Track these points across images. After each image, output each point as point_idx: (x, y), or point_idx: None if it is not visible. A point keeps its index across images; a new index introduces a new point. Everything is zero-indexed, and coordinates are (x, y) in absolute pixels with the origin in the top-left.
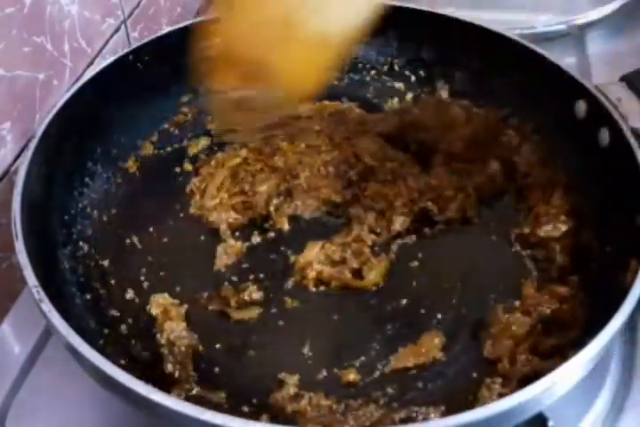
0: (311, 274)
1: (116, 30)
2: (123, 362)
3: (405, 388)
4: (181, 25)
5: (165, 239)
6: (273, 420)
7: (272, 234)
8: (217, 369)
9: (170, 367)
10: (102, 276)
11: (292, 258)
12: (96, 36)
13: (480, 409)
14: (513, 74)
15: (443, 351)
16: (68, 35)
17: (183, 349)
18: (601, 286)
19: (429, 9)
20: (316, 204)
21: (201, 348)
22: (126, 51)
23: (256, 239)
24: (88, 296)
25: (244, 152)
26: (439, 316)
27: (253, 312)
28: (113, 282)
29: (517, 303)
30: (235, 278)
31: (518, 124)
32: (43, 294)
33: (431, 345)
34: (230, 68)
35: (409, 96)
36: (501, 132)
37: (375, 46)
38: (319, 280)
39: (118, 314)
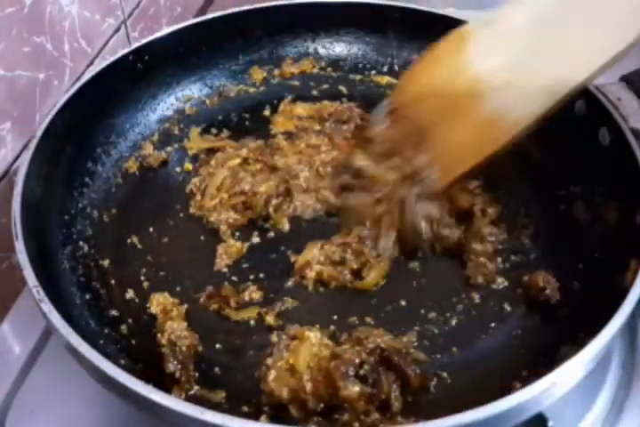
0: (310, 274)
1: (116, 30)
2: (123, 362)
3: None
4: (181, 25)
5: (165, 239)
6: (273, 420)
7: (272, 234)
8: (217, 369)
9: (171, 367)
10: (102, 276)
11: (292, 258)
12: (96, 36)
13: (480, 409)
14: None
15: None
16: (67, 35)
17: (184, 349)
18: (601, 286)
19: (429, 9)
20: (316, 204)
21: (201, 348)
22: (126, 51)
23: (256, 239)
24: (88, 296)
25: (244, 152)
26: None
27: (253, 312)
28: (113, 282)
29: None
30: (235, 278)
31: None
32: (43, 293)
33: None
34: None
35: None
36: None
37: (375, 46)
38: (319, 281)
39: (118, 314)
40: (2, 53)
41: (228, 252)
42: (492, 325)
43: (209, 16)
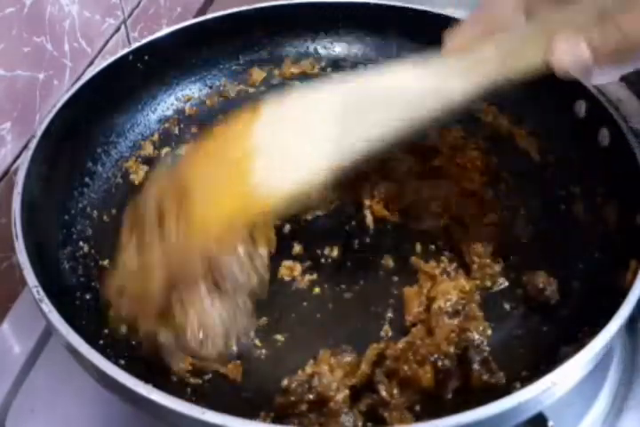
0: None
1: (116, 30)
2: (123, 362)
3: None
4: (181, 25)
5: None
6: (273, 420)
7: None
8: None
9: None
10: (102, 276)
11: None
12: (96, 36)
13: (480, 409)
14: None
15: None
16: (67, 35)
17: None
18: (601, 286)
19: (429, 9)
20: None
21: None
22: (126, 51)
23: None
24: (88, 296)
25: None
26: None
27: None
28: None
29: None
30: None
31: (516, 120)
32: (43, 293)
33: None
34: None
35: None
36: None
37: (375, 46)
38: None
39: None
40: (2, 53)
41: None
42: (492, 325)
43: (209, 16)
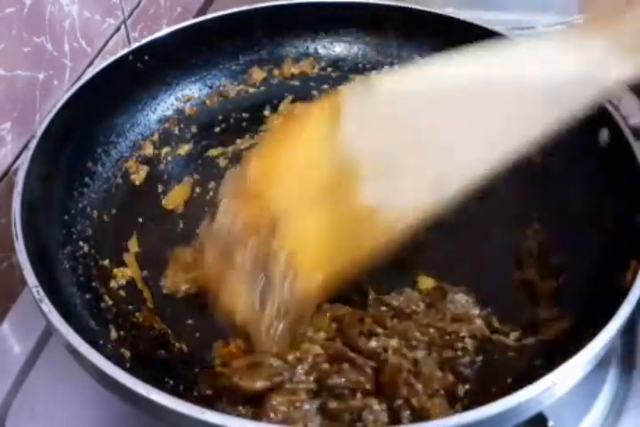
0: None
1: (116, 30)
2: (123, 362)
3: None
4: (181, 25)
5: None
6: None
7: None
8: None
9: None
10: (102, 276)
11: None
12: (96, 36)
13: (480, 409)
14: None
15: None
16: (67, 35)
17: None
18: (601, 286)
19: (429, 9)
20: None
21: None
22: (126, 51)
23: None
24: (88, 296)
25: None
26: None
27: None
28: (113, 282)
29: None
30: None
31: None
32: (43, 293)
33: None
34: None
35: None
36: None
37: (375, 46)
38: None
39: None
40: (2, 53)
41: None
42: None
43: (209, 16)
